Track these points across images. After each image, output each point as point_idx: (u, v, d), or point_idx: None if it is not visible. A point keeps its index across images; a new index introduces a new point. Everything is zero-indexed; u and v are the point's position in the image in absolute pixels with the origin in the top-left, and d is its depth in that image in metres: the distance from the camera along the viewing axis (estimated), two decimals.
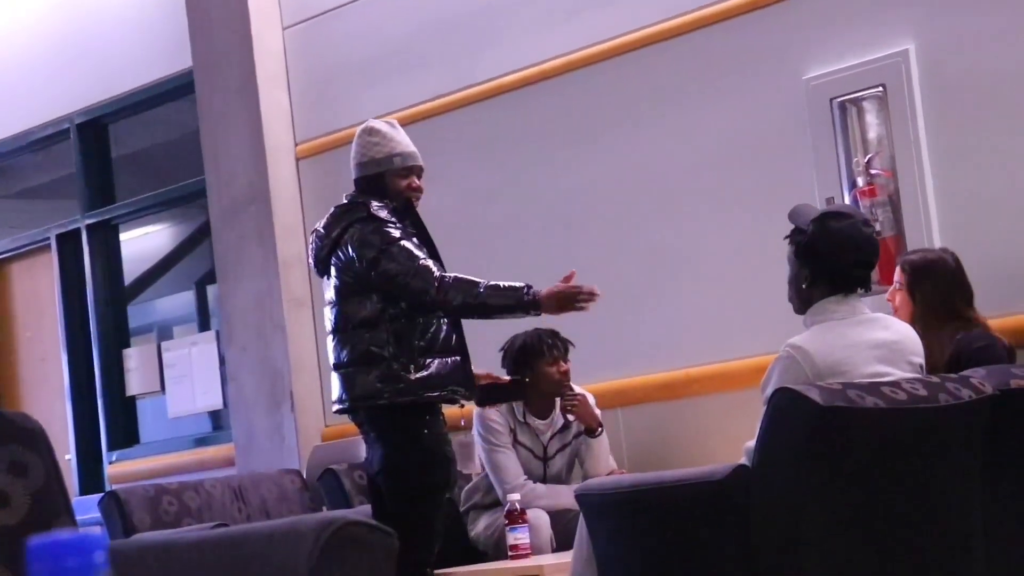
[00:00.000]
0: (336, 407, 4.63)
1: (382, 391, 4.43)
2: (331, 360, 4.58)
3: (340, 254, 4.51)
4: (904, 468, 3.47)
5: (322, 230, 4.63)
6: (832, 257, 3.81)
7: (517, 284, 4.39)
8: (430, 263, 4.44)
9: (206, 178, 7.13)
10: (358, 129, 4.73)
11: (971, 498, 3.56)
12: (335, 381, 4.56)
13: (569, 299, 4.38)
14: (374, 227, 4.48)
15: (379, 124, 4.71)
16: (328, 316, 4.60)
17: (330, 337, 4.57)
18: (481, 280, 4.38)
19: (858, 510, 3.40)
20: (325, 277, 4.63)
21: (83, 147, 8.09)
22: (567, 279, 4.43)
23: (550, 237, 6.08)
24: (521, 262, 6.17)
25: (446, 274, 4.41)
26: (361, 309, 4.47)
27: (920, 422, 3.45)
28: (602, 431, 5.37)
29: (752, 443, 3.90)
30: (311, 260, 4.69)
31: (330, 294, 4.59)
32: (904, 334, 3.87)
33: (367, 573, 1.88)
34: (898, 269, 4.62)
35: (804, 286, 3.85)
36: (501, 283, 4.38)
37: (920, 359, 3.85)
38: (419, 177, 4.65)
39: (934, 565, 3.50)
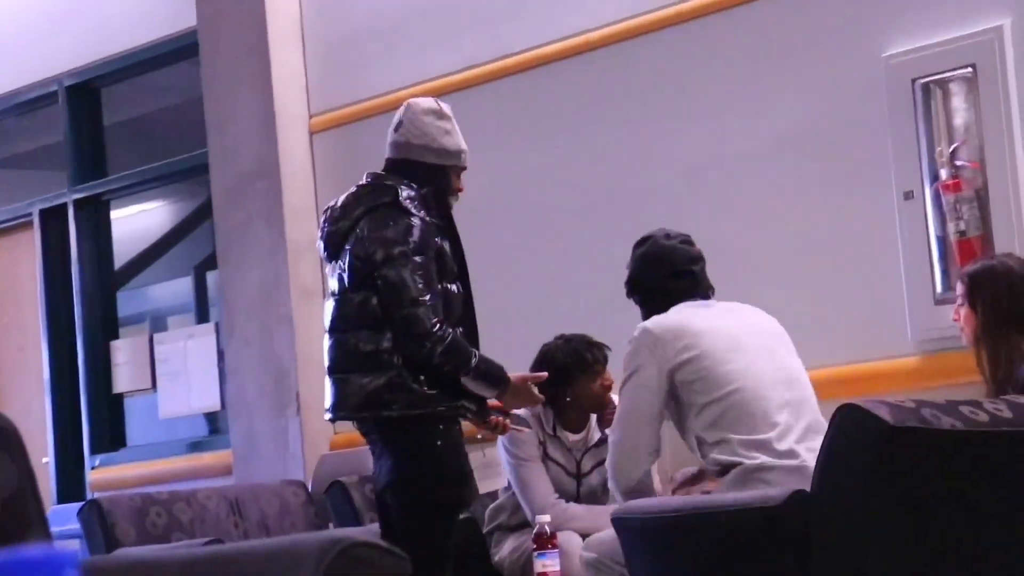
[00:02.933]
0: (332, 416, 4.62)
1: (390, 402, 4.42)
2: (326, 362, 4.57)
3: (356, 239, 4.50)
4: (985, 499, 3.45)
5: (339, 209, 4.62)
6: (646, 280, 4.40)
7: (501, 376, 4.50)
8: (435, 303, 4.42)
9: (209, 151, 7.16)
10: (417, 103, 4.69)
11: None
12: (331, 386, 4.56)
13: (528, 397, 4.66)
14: (407, 224, 4.46)
15: (448, 109, 4.69)
16: (329, 310, 4.60)
17: (330, 335, 4.57)
18: (474, 353, 4.43)
19: (931, 544, 3.39)
20: (332, 263, 4.62)
21: (72, 113, 8.13)
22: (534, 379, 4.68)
23: (589, 228, 6.08)
24: (554, 256, 6.18)
25: (445, 330, 4.40)
26: (366, 305, 4.47)
27: (1004, 448, 3.44)
28: None
29: (610, 458, 4.26)
30: (321, 242, 4.68)
31: (335, 284, 4.58)
32: (752, 309, 4.42)
33: None
34: (958, 284, 4.61)
35: (645, 316, 4.34)
36: (491, 365, 4.47)
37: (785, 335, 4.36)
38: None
39: None
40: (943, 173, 5.14)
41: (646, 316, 4.37)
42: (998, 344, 4.36)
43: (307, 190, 6.94)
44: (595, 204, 6.08)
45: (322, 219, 4.72)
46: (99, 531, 5.72)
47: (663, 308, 4.33)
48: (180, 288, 8.04)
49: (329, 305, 4.61)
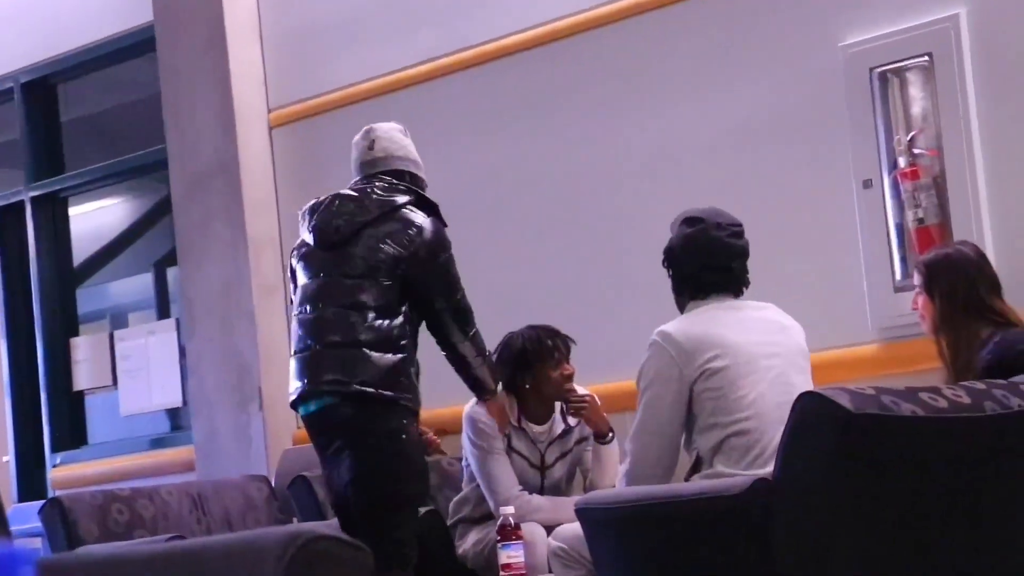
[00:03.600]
0: (301, 392, 4.63)
1: (395, 383, 4.57)
2: (323, 339, 4.61)
3: (387, 231, 4.69)
4: (944, 483, 3.48)
5: (349, 202, 4.75)
6: (683, 263, 4.32)
7: (498, 377, 5.13)
8: None
9: (167, 147, 7.13)
10: (381, 125, 4.96)
11: (1020, 517, 3.57)
12: (319, 361, 4.59)
13: (504, 408, 5.23)
14: (439, 226, 4.81)
15: None
16: (322, 293, 4.67)
17: (333, 313, 4.63)
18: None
19: (893, 530, 3.41)
20: (340, 250, 4.67)
21: (28, 109, 8.09)
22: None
23: (552, 220, 6.09)
24: (518, 249, 6.18)
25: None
26: (385, 292, 4.66)
27: (963, 433, 3.46)
28: (613, 437, 5.37)
29: (624, 467, 4.18)
30: (327, 227, 4.74)
31: (341, 269, 4.68)
32: (776, 315, 4.33)
33: None
34: (916, 273, 4.65)
35: (674, 294, 4.33)
36: (494, 364, 5.10)
37: (805, 347, 4.31)
38: None
39: None
40: (901, 161, 5.16)
41: (675, 291, 4.35)
42: (957, 332, 4.41)
43: (267, 185, 6.93)
44: (555, 196, 6.08)
45: (321, 207, 4.81)
46: (61, 529, 5.70)
47: (692, 294, 4.30)
48: (140, 285, 8.02)
49: (329, 285, 4.68)
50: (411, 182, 4.87)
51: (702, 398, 4.06)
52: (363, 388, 4.55)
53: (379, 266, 4.65)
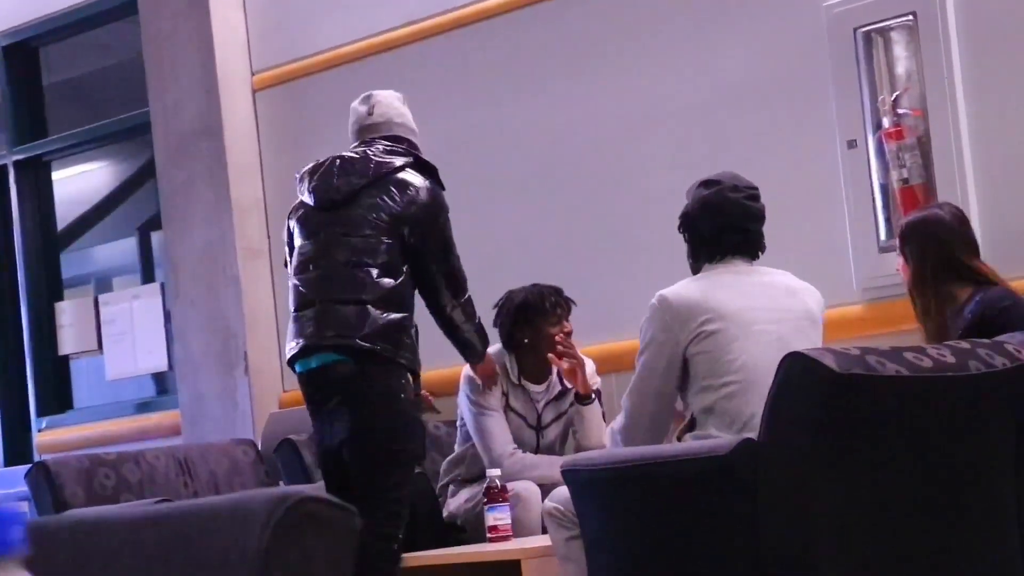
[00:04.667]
0: (300, 349, 4.64)
1: (397, 342, 4.61)
2: (328, 295, 4.63)
3: (386, 191, 4.71)
4: (929, 443, 3.49)
5: (357, 159, 4.77)
6: (700, 225, 4.23)
7: (487, 341, 5.16)
8: None
9: (150, 110, 7.11)
10: (381, 92, 4.96)
11: (1003, 477, 3.59)
12: (321, 316, 4.61)
13: (493, 371, 5.31)
14: (438, 190, 4.83)
15: None
16: (321, 251, 4.69)
17: (337, 269, 4.66)
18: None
19: (876, 488, 3.43)
20: (339, 211, 4.70)
21: (10, 73, 8.05)
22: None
23: (538, 182, 6.08)
24: (507, 212, 6.18)
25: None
26: (387, 252, 4.68)
27: (947, 392, 3.47)
28: (595, 400, 5.39)
29: (616, 423, 4.16)
30: (326, 188, 4.75)
31: (342, 228, 4.70)
32: (785, 279, 4.25)
33: (325, 554, 1.89)
34: (897, 236, 4.68)
35: (689, 259, 4.26)
36: (484, 330, 5.10)
37: (817, 311, 4.20)
38: None
39: (959, 550, 3.53)
40: (886, 121, 5.17)
41: (691, 256, 4.28)
42: (929, 293, 4.45)
43: (251, 149, 6.91)
44: (543, 159, 6.07)
45: (321, 169, 4.82)
46: (47, 493, 5.70)
47: (708, 258, 4.23)
48: (124, 249, 8.00)
49: (329, 242, 4.69)
50: (409, 148, 4.89)
51: (696, 360, 4.06)
52: (365, 344, 4.56)
53: (380, 226, 4.68)
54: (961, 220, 4.61)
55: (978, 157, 5.02)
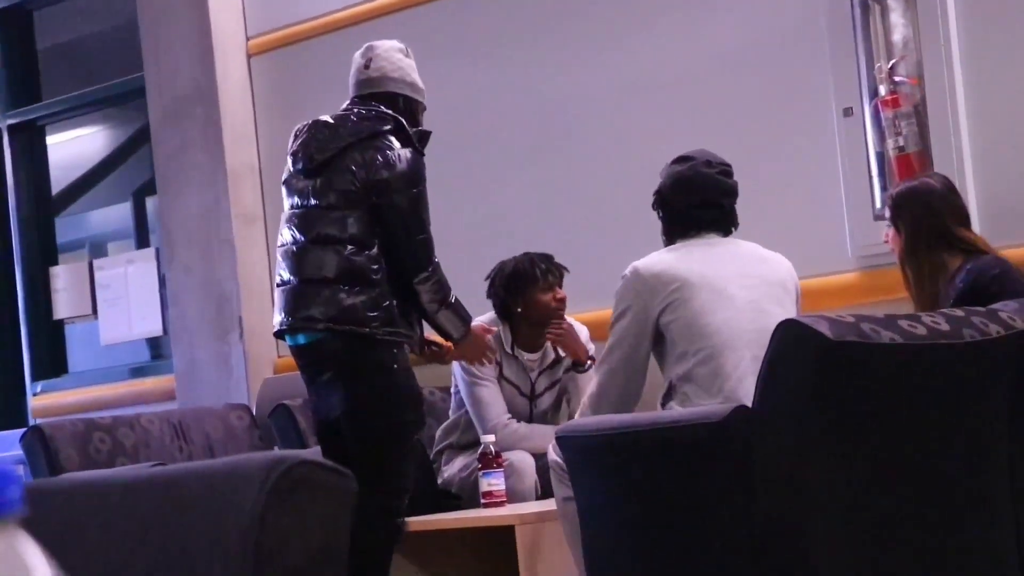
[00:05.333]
0: (290, 324, 4.61)
1: (368, 319, 4.50)
2: (298, 273, 4.58)
3: (359, 159, 4.57)
4: (922, 410, 3.50)
5: (328, 128, 4.66)
6: (673, 201, 4.26)
7: (468, 318, 4.75)
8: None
9: (145, 75, 7.09)
10: (382, 43, 4.82)
11: (997, 444, 3.60)
12: (294, 296, 4.57)
13: (481, 345, 4.86)
14: (415, 156, 4.63)
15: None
16: (301, 223, 4.62)
17: (303, 247, 4.58)
18: (452, 291, 4.67)
19: (870, 457, 3.44)
20: (306, 178, 4.63)
21: (4, 36, 8.03)
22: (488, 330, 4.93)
23: (531, 149, 6.08)
24: (502, 177, 6.17)
25: (439, 263, 4.64)
26: (355, 224, 4.55)
27: (942, 360, 3.48)
28: (592, 366, 5.39)
29: (589, 392, 4.20)
30: (299, 156, 4.69)
31: (317, 199, 4.61)
32: (755, 248, 4.26)
33: (321, 519, 1.89)
34: (886, 208, 4.68)
35: (663, 237, 4.28)
36: (462, 308, 4.72)
37: (790, 281, 4.22)
38: None
39: (953, 518, 3.54)
40: (882, 89, 5.16)
41: (665, 233, 4.30)
42: (921, 263, 4.48)
43: (246, 114, 6.90)
44: (534, 126, 6.07)
45: (302, 134, 4.73)
46: (42, 457, 5.71)
47: (682, 234, 4.25)
48: (119, 214, 7.99)
49: (300, 219, 4.62)
50: (404, 106, 4.74)
51: (670, 329, 4.08)
52: (335, 327, 4.52)
53: (351, 196, 4.56)
54: (951, 189, 4.62)
55: (974, 125, 5.02)
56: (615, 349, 4.16)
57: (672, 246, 4.25)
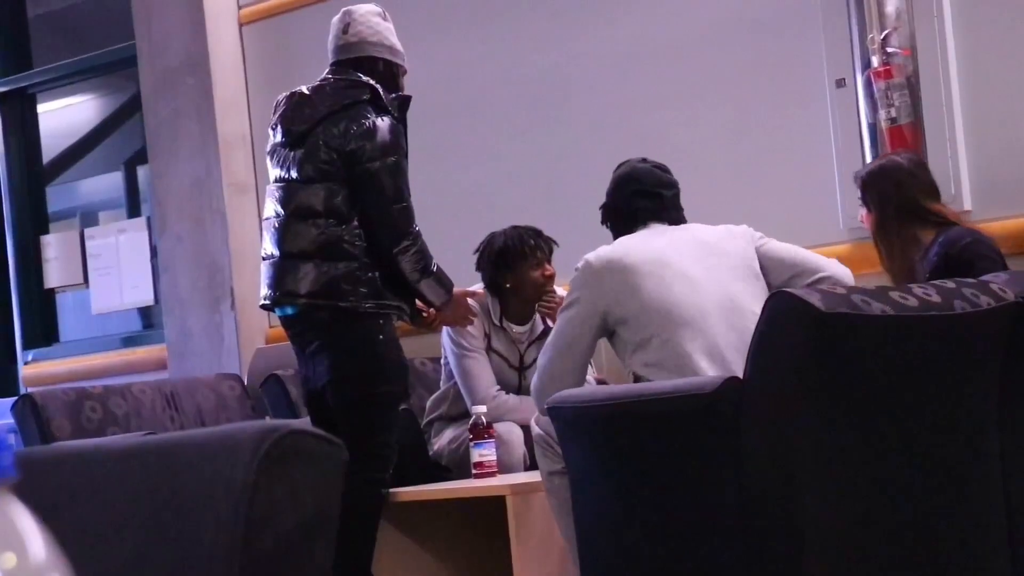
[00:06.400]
0: (274, 300, 4.63)
1: (346, 292, 4.50)
2: (280, 247, 4.58)
3: (335, 130, 4.55)
4: (913, 381, 3.51)
5: (306, 98, 4.65)
6: (615, 199, 4.35)
7: (450, 286, 4.76)
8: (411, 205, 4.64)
9: (136, 44, 7.07)
10: (359, 7, 4.82)
11: (986, 415, 3.61)
12: (277, 271, 4.58)
13: (465, 310, 4.91)
14: (391, 125, 4.59)
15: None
16: (282, 196, 4.62)
17: (283, 221, 4.58)
18: (433, 259, 4.67)
19: (860, 428, 3.45)
20: (287, 150, 4.62)
21: None
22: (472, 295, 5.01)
23: (524, 120, 6.07)
24: (493, 149, 6.17)
25: (419, 233, 4.62)
26: (333, 196, 4.55)
27: (932, 331, 3.49)
28: None
29: (534, 380, 4.21)
30: (279, 128, 4.67)
31: (291, 171, 4.60)
32: (707, 230, 4.26)
33: (312, 488, 1.90)
34: (858, 187, 4.72)
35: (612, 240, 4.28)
36: (444, 274, 4.73)
37: (749, 248, 4.21)
38: None
39: (942, 489, 3.55)
40: (875, 60, 5.16)
41: (613, 233, 4.34)
42: (892, 239, 4.56)
43: (238, 83, 6.88)
44: (526, 96, 6.06)
45: (280, 106, 4.72)
46: (34, 425, 5.71)
47: (627, 229, 4.28)
48: (110, 183, 7.98)
49: (281, 191, 4.61)
50: (384, 70, 4.73)
51: (625, 321, 4.08)
52: (316, 301, 4.52)
53: (328, 169, 4.55)
54: (919, 165, 4.69)
55: (967, 97, 5.02)
56: (559, 338, 4.19)
57: (619, 240, 4.27)
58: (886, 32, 5.14)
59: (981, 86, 5.02)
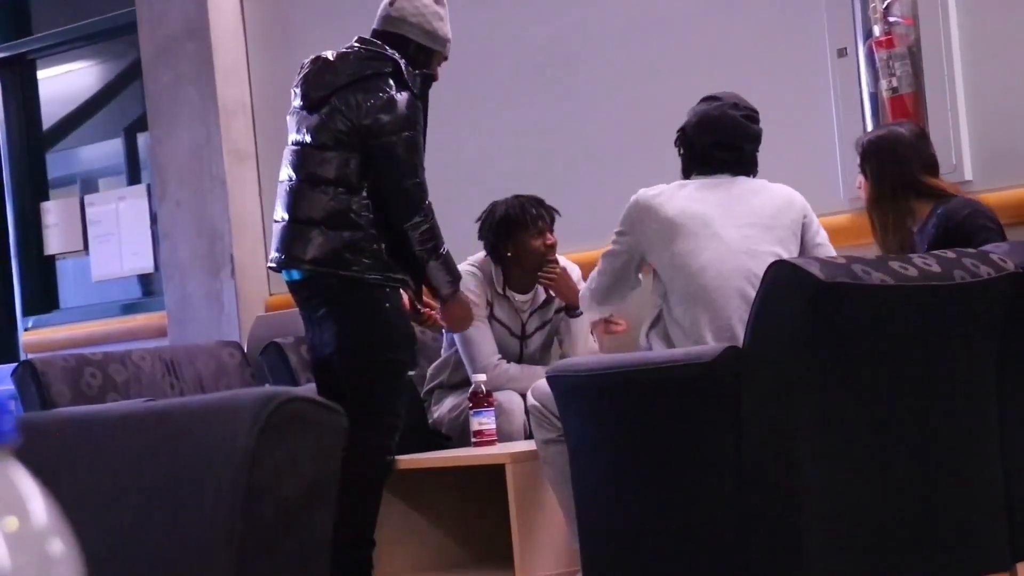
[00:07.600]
0: (281, 263, 4.63)
1: (349, 262, 4.50)
2: (290, 212, 4.58)
3: (352, 101, 4.54)
4: (913, 351, 3.51)
5: (330, 65, 4.63)
6: (695, 139, 4.25)
7: (458, 276, 4.72)
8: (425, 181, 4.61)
9: (137, 10, 7.05)
10: None
11: (985, 385, 3.62)
12: (286, 235, 4.58)
13: (466, 312, 4.88)
14: (409, 100, 4.56)
15: None
16: (295, 161, 4.62)
17: (295, 185, 4.58)
18: (444, 243, 4.61)
19: (859, 395, 3.45)
20: (306, 113, 4.61)
21: None
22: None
23: (527, 89, 6.06)
24: (494, 116, 6.16)
25: (432, 210, 4.58)
26: (346, 165, 4.54)
27: (932, 301, 3.49)
28: (583, 312, 5.39)
29: (646, 327, 4.21)
30: (299, 90, 4.67)
31: (306, 136, 4.60)
32: (763, 188, 4.23)
33: (312, 454, 1.90)
34: (858, 154, 4.71)
35: (682, 175, 4.29)
36: (452, 264, 4.68)
37: (796, 214, 4.19)
38: None
39: (941, 457, 3.56)
40: (876, 30, 5.15)
41: (684, 169, 4.31)
42: (886, 211, 4.56)
43: (238, 50, 6.87)
44: (529, 63, 6.05)
45: (304, 69, 4.71)
46: (34, 392, 5.72)
47: (699, 171, 4.24)
48: (110, 150, 7.97)
49: (294, 156, 4.61)
50: (416, 54, 4.67)
51: (658, 264, 4.13)
52: (319, 269, 4.52)
53: (343, 138, 4.54)
54: (920, 136, 4.66)
55: (968, 66, 5.01)
56: (606, 263, 4.34)
57: (680, 182, 4.25)
58: (888, 2, 5.13)
59: (982, 56, 5.01)
